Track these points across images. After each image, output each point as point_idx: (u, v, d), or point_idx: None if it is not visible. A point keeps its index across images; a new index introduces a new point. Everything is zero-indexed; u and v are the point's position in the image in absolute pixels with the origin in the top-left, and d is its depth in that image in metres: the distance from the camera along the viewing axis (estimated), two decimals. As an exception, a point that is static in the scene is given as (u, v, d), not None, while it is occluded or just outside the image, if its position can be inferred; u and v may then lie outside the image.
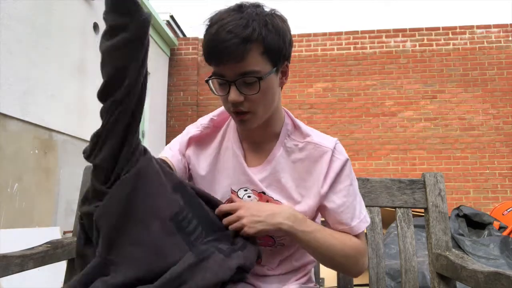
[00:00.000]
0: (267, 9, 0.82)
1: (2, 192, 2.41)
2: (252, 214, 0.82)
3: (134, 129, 0.72)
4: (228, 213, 0.84)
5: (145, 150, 0.76)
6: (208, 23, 0.80)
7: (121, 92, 0.67)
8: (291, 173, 0.90)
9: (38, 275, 2.16)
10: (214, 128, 0.97)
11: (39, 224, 2.71)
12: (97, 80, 3.03)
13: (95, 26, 3.57)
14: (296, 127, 0.94)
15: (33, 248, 1.00)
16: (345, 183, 0.89)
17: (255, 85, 0.80)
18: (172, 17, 6.94)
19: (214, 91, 0.85)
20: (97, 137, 0.71)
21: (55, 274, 2.25)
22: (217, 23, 0.77)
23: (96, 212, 0.69)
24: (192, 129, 0.97)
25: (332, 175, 0.89)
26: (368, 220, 0.92)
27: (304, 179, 0.90)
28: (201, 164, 0.95)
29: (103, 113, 0.70)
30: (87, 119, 3.38)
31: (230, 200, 0.92)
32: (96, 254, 0.70)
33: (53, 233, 2.65)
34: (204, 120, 0.98)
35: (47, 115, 2.83)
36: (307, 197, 0.89)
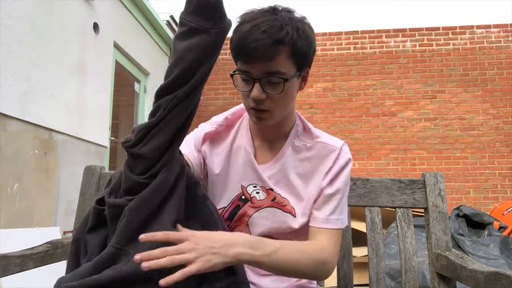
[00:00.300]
0: (298, 16, 0.85)
1: (2, 192, 2.41)
2: (205, 245, 0.68)
3: (185, 131, 0.74)
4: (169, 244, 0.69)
5: (180, 153, 0.78)
6: (240, 21, 0.83)
7: (185, 90, 0.69)
8: (298, 171, 0.94)
9: (38, 275, 2.16)
10: (227, 127, 1.00)
11: (39, 224, 2.71)
12: (97, 80, 3.02)
13: (95, 26, 3.57)
14: (306, 129, 0.98)
15: (33, 248, 1.00)
16: (341, 181, 0.93)
17: (279, 86, 0.83)
18: (172, 17, 6.93)
19: (237, 86, 0.87)
20: (149, 128, 0.71)
21: (55, 274, 2.24)
22: (250, 22, 0.80)
23: (129, 205, 0.70)
24: (207, 126, 0.99)
25: (334, 170, 0.92)
26: (344, 224, 0.93)
27: (310, 177, 0.93)
28: (215, 161, 0.97)
29: (161, 107, 0.70)
30: (87, 119, 3.38)
31: (239, 196, 0.94)
32: (101, 244, 0.71)
33: (53, 233, 2.65)
34: (218, 118, 1.00)
35: (47, 115, 2.83)
36: (310, 193, 0.93)
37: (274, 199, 0.94)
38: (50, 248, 1.04)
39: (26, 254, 0.94)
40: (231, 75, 0.87)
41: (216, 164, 0.97)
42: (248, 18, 0.82)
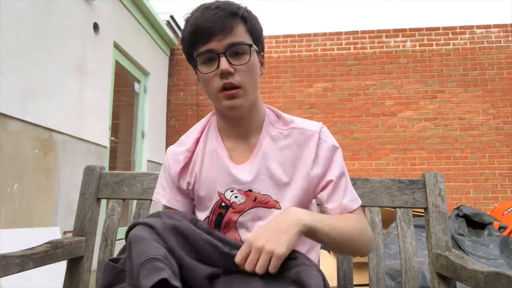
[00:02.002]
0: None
1: (2, 192, 2.41)
2: (267, 237, 0.72)
3: None
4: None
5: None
6: (190, 14, 0.86)
7: None
8: (279, 160, 0.91)
9: (38, 275, 2.16)
10: (196, 143, 0.97)
11: (39, 224, 2.71)
12: (97, 80, 3.02)
13: (95, 26, 3.57)
14: (278, 116, 0.96)
15: (33, 248, 1.00)
16: (339, 164, 0.91)
17: (244, 56, 0.84)
18: (172, 17, 6.93)
19: (201, 71, 0.85)
20: (118, 272, 0.80)
21: (55, 274, 2.25)
22: (199, 9, 0.84)
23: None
24: (179, 159, 0.95)
25: (322, 157, 0.90)
26: (359, 202, 0.93)
27: (292, 164, 0.91)
28: (193, 177, 0.95)
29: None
30: (87, 119, 3.38)
31: (219, 204, 0.92)
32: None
33: (53, 233, 2.65)
34: (188, 142, 0.97)
35: (47, 115, 2.83)
36: (295, 180, 0.90)
37: (255, 199, 0.90)
38: (50, 248, 1.04)
39: (26, 254, 0.94)
40: (195, 62, 0.86)
41: (193, 179, 0.94)
42: (196, 8, 0.85)
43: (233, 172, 0.90)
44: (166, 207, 0.98)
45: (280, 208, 0.90)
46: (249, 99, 0.87)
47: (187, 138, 0.98)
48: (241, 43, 0.83)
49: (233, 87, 0.83)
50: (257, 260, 0.70)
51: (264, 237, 0.72)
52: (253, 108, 0.90)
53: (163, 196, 0.97)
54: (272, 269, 0.69)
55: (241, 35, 0.83)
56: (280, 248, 0.70)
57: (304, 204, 0.91)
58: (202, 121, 1.00)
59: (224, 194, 0.91)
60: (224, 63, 0.81)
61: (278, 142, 0.92)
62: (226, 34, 0.81)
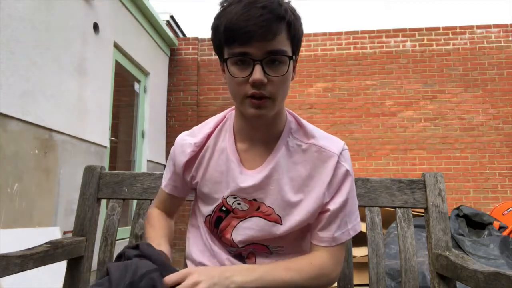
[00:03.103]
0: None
1: (2, 192, 2.41)
2: (207, 277, 0.74)
3: None
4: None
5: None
6: (227, 3, 0.75)
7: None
8: (291, 175, 0.86)
9: (38, 275, 2.16)
10: (207, 138, 0.92)
11: (39, 224, 2.71)
12: (97, 80, 3.02)
13: (95, 26, 3.57)
14: (300, 125, 0.90)
15: (33, 248, 1.00)
16: (345, 191, 0.87)
17: (281, 67, 0.75)
18: (172, 17, 6.93)
19: (232, 73, 0.77)
20: None
21: (55, 274, 2.25)
22: (242, 1, 0.72)
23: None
24: (187, 151, 0.92)
25: (335, 183, 0.85)
26: (357, 230, 0.90)
27: (304, 183, 0.86)
28: (198, 172, 0.93)
29: (122, 256, 0.81)
30: (87, 119, 3.38)
31: (220, 207, 0.91)
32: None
33: (53, 233, 2.65)
34: (197, 138, 0.92)
35: (47, 115, 2.83)
36: (305, 201, 0.86)
37: (258, 208, 0.88)
38: (50, 248, 1.04)
39: (26, 254, 0.94)
40: (225, 60, 0.77)
41: (198, 174, 0.93)
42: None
43: (239, 181, 0.86)
44: (166, 193, 1.01)
45: (281, 224, 0.87)
46: (276, 109, 0.80)
47: (199, 131, 0.93)
48: (282, 52, 0.75)
49: (262, 96, 0.76)
50: None
51: (203, 274, 0.74)
52: (276, 115, 0.83)
53: (165, 185, 1.01)
54: None
55: (282, 42, 0.74)
56: None
57: (305, 225, 0.88)
58: (219, 116, 0.94)
59: (226, 200, 0.89)
60: (258, 73, 0.73)
61: (294, 155, 0.86)
62: (268, 40, 0.72)
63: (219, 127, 0.93)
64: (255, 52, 0.73)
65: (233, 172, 0.87)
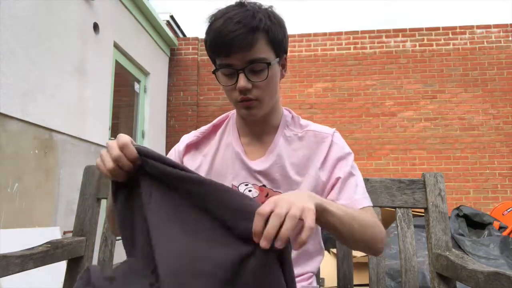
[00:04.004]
0: (266, 5, 0.88)
1: (2, 192, 2.41)
2: (296, 198, 0.61)
3: None
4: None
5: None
6: (212, 19, 0.85)
7: None
8: (292, 161, 0.93)
9: (38, 275, 2.16)
10: (213, 129, 1.02)
11: (39, 224, 2.71)
12: (97, 80, 3.01)
13: (95, 26, 3.57)
14: (294, 119, 0.99)
15: (33, 248, 1.00)
16: (349, 164, 0.91)
17: (262, 72, 0.84)
18: (172, 17, 6.93)
19: (221, 82, 0.88)
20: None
21: (55, 274, 2.25)
22: (222, 17, 0.82)
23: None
24: (188, 137, 1.02)
25: (331, 159, 0.91)
26: (370, 201, 0.91)
27: (304, 165, 0.92)
28: (203, 165, 0.98)
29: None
30: (87, 119, 3.38)
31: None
32: None
33: (53, 233, 2.65)
34: (204, 127, 1.03)
35: (47, 115, 2.83)
36: (305, 180, 0.91)
37: (267, 195, 0.93)
38: (50, 248, 1.04)
39: (26, 254, 0.94)
40: (214, 73, 0.88)
41: (202, 167, 0.97)
42: (220, 14, 0.84)
43: (249, 167, 0.93)
44: None
45: None
46: (265, 108, 0.90)
47: (204, 127, 1.03)
48: (260, 60, 0.83)
49: (250, 100, 0.86)
50: (279, 226, 0.57)
51: (293, 200, 0.60)
52: (270, 112, 0.93)
53: None
54: (304, 236, 0.57)
55: (261, 50, 0.83)
56: (310, 216, 0.58)
57: None
58: (222, 116, 1.04)
59: (238, 187, 0.93)
60: (242, 81, 0.83)
61: (292, 144, 0.94)
62: (246, 51, 0.81)
63: (224, 123, 1.02)
64: (236, 63, 0.83)
65: (242, 160, 0.94)
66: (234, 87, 0.85)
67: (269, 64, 0.84)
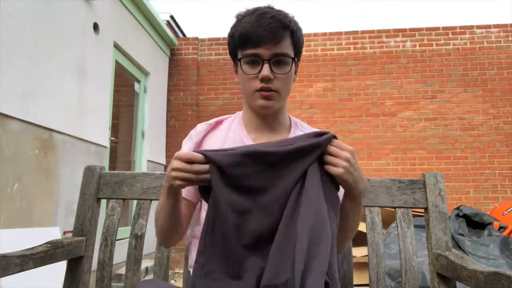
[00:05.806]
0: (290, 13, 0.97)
1: (2, 192, 2.41)
2: (361, 176, 0.82)
3: None
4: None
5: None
6: (242, 15, 0.93)
7: None
8: None
9: (38, 275, 2.16)
10: (216, 124, 1.06)
11: (39, 224, 2.71)
12: (97, 80, 3.01)
13: (95, 26, 3.57)
14: (298, 121, 1.07)
15: (33, 248, 1.00)
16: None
17: (286, 66, 0.92)
18: (172, 17, 6.94)
19: (244, 71, 0.93)
20: None
21: (55, 274, 2.25)
22: (254, 13, 0.91)
23: None
24: (200, 128, 1.04)
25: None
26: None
27: None
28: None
29: None
30: (87, 119, 3.38)
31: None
32: None
33: (53, 233, 2.65)
34: (209, 121, 1.06)
35: (47, 115, 2.83)
36: None
37: None
38: (50, 248, 1.04)
39: (26, 254, 0.94)
40: (239, 60, 0.93)
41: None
42: (251, 10, 0.92)
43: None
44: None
45: None
46: (281, 102, 0.96)
47: (207, 121, 1.06)
48: (286, 54, 0.91)
49: (270, 90, 0.92)
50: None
51: (358, 169, 0.81)
52: (280, 110, 0.99)
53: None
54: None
55: (286, 47, 0.91)
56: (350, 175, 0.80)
57: None
58: (224, 116, 1.09)
59: None
60: (266, 70, 0.89)
61: None
62: (274, 44, 0.89)
63: (230, 119, 1.06)
64: (264, 53, 0.89)
65: None
66: (256, 76, 0.91)
67: (293, 59, 0.92)
